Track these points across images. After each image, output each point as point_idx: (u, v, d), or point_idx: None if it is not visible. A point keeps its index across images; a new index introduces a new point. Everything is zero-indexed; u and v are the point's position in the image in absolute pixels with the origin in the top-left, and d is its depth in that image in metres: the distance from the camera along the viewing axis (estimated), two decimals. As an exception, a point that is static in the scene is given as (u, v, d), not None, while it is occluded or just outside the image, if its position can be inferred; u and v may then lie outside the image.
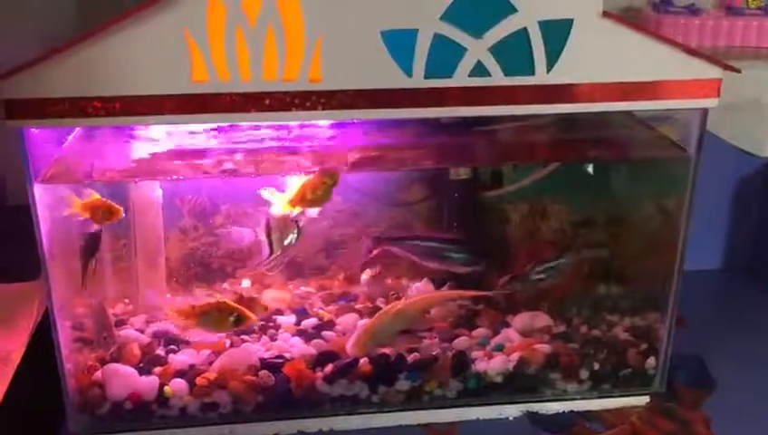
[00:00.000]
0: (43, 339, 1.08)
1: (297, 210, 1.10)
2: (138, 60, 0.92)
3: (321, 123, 1.12)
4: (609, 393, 1.20)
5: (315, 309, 1.30)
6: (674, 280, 1.14)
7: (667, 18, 1.38)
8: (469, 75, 0.97)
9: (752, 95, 1.26)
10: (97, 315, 1.16)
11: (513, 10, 0.96)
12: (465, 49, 0.96)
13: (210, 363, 1.15)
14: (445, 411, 1.16)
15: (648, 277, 1.23)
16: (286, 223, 1.13)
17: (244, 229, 1.16)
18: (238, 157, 1.09)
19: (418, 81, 0.96)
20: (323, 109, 0.96)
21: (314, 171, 1.08)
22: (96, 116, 0.94)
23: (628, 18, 1.01)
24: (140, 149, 1.10)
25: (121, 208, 1.10)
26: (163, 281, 1.29)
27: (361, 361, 1.15)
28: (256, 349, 1.18)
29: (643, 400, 1.20)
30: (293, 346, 1.19)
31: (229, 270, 1.33)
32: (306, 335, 1.22)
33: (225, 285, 1.33)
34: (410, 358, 1.16)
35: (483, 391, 1.17)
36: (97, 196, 1.08)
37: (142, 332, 1.22)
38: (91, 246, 1.11)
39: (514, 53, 0.97)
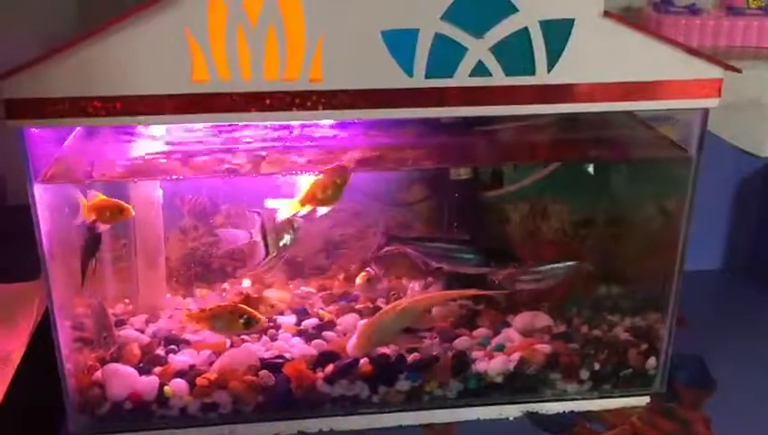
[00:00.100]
0: (43, 339, 1.08)
1: (308, 209, 1.11)
2: (138, 60, 0.92)
3: (323, 123, 1.12)
4: (609, 394, 1.20)
5: (316, 309, 1.30)
6: (674, 280, 1.14)
7: (667, 18, 1.38)
8: (470, 75, 0.97)
9: (752, 95, 1.26)
10: (97, 315, 1.16)
11: (514, 10, 0.96)
12: (466, 49, 0.96)
13: (210, 363, 1.15)
14: (445, 412, 1.16)
15: (648, 277, 1.23)
16: (282, 224, 1.14)
17: (238, 231, 1.16)
18: (238, 156, 1.09)
19: (419, 80, 0.96)
20: (324, 109, 0.96)
21: (313, 171, 1.08)
22: (96, 116, 0.94)
23: (629, 18, 1.01)
24: (141, 149, 1.10)
25: (131, 207, 1.10)
26: (163, 281, 1.29)
27: (362, 361, 1.15)
28: (256, 349, 1.18)
29: (643, 400, 1.20)
30: (294, 346, 1.19)
31: (229, 270, 1.33)
32: (306, 335, 1.22)
33: (226, 285, 1.33)
34: (410, 358, 1.16)
35: (483, 391, 1.17)
36: (102, 196, 1.08)
37: (142, 332, 1.22)
38: (91, 246, 1.11)
39: (515, 52, 0.97)
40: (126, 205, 1.10)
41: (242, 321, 1.11)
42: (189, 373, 1.13)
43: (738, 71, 1.01)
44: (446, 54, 0.96)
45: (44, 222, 1.00)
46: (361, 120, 1.06)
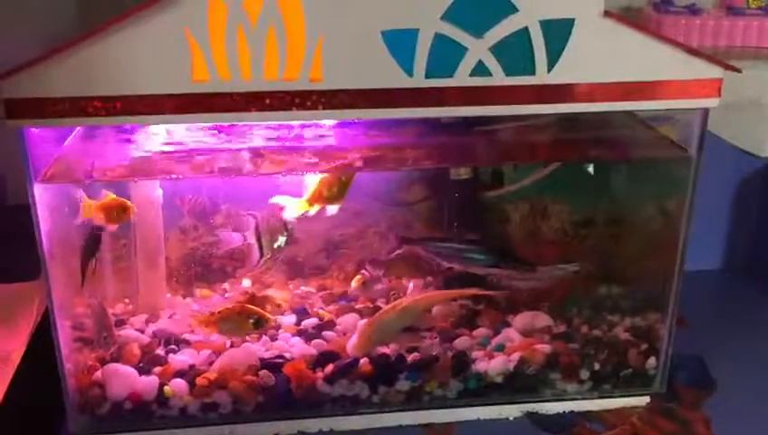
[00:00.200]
0: (43, 339, 1.08)
1: (316, 208, 1.11)
2: (138, 60, 0.92)
3: (324, 123, 1.12)
4: (609, 394, 1.20)
5: (315, 309, 1.30)
6: (674, 280, 1.14)
7: (667, 18, 1.38)
8: (470, 75, 0.97)
9: (752, 95, 1.26)
10: (97, 315, 1.16)
11: (514, 9, 0.96)
12: (466, 49, 0.96)
13: (210, 363, 1.14)
14: (445, 412, 1.16)
15: (648, 277, 1.23)
16: (276, 226, 1.14)
17: (233, 233, 1.17)
18: (239, 156, 1.09)
19: (419, 80, 0.96)
20: (324, 108, 0.96)
21: (315, 171, 1.08)
22: (96, 116, 0.94)
23: (629, 18, 1.01)
24: (140, 149, 1.09)
25: (133, 205, 1.11)
26: (163, 281, 1.29)
27: (361, 361, 1.14)
28: (256, 349, 1.18)
29: (643, 400, 1.20)
30: (294, 346, 1.19)
31: (229, 270, 1.33)
32: (306, 335, 1.22)
33: (226, 286, 1.33)
34: (410, 358, 1.16)
35: (483, 391, 1.17)
36: (112, 195, 1.08)
37: (142, 332, 1.21)
38: (91, 245, 1.11)
39: (515, 52, 0.97)
40: (128, 202, 1.11)
41: (251, 321, 1.12)
42: (189, 373, 1.13)
43: (738, 71, 1.01)
44: (446, 54, 0.96)
45: (44, 222, 0.99)
46: (361, 119, 1.06)
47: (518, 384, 1.18)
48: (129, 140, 1.11)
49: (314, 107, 0.96)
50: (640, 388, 1.20)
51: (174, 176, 1.09)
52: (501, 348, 1.20)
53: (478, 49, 0.96)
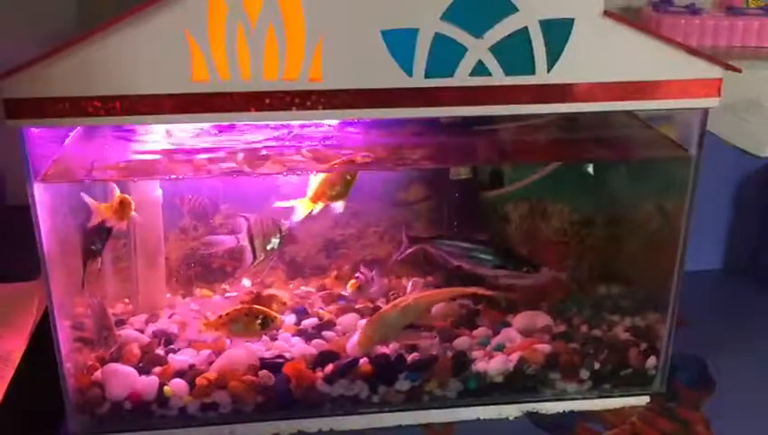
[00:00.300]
0: (43, 339, 1.08)
1: (319, 206, 1.11)
2: (138, 60, 0.92)
3: (324, 123, 1.12)
4: (609, 393, 1.20)
5: (315, 309, 1.30)
6: (674, 280, 1.14)
7: (667, 18, 1.38)
8: (470, 75, 0.97)
9: (752, 95, 1.26)
10: (97, 315, 1.16)
11: (514, 9, 0.96)
12: (466, 48, 0.96)
13: (210, 363, 1.14)
14: (445, 411, 1.16)
15: (648, 277, 1.23)
16: (269, 228, 1.14)
17: (225, 236, 1.17)
18: (239, 156, 1.09)
19: (419, 80, 0.96)
20: (323, 108, 0.96)
21: (314, 171, 1.08)
22: (96, 116, 0.94)
23: (628, 18, 1.01)
24: (140, 149, 1.10)
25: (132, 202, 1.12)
26: (163, 281, 1.29)
27: (361, 361, 1.14)
28: (256, 349, 1.18)
29: (643, 400, 1.20)
30: (294, 346, 1.19)
31: (229, 270, 1.33)
32: (306, 335, 1.22)
33: (225, 286, 1.33)
34: (410, 358, 1.16)
35: (483, 390, 1.17)
36: (118, 193, 1.09)
37: (142, 332, 1.21)
38: (99, 244, 1.11)
39: (515, 52, 0.97)
40: (128, 197, 1.12)
41: (258, 322, 1.12)
42: (189, 373, 1.13)
43: (738, 70, 1.01)
44: (445, 54, 0.96)
45: (44, 222, 1.00)
46: (361, 119, 1.06)
47: (518, 384, 1.18)
48: (128, 140, 1.11)
49: (314, 107, 0.96)
50: (640, 388, 1.20)
51: (174, 176, 1.09)
52: (501, 348, 1.20)
53: (478, 49, 0.96)
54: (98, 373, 1.11)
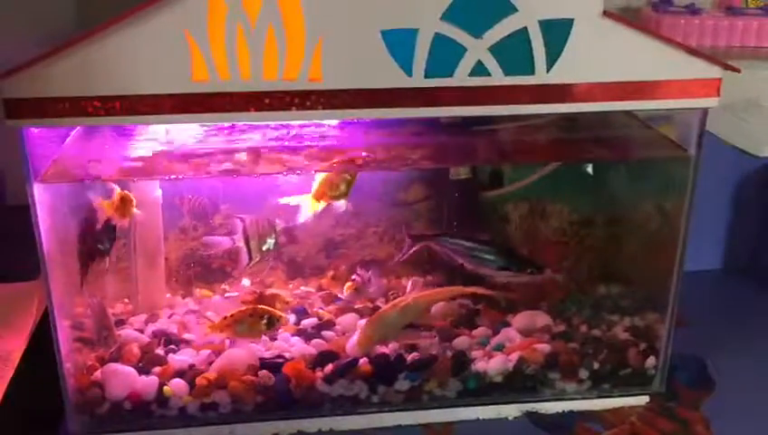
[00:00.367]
0: (42, 339, 1.08)
1: (322, 205, 1.12)
2: (138, 59, 0.92)
3: (324, 123, 1.12)
4: (608, 393, 1.20)
5: (315, 309, 1.30)
6: (674, 280, 1.14)
7: (666, 18, 1.38)
8: (469, 75, 0.97)
9: (751, 95, 1.26)
10: (97, 315, 1.16)
11: (514, 9, 0.96)
12: (466, 49, 0.96)
13: (210, 363, 1.14)
14: (444, 411, 1.16)
15: (648, 277, 1.23)
16: (264, 229, 1.14)
17: (222, 238, 1.17)
18: (239, 156, 1.09)
19: (418, 80, 0.96)
20: (323, 108, 0.96)
21: (313, 170, 1.08)
22: (96, 116, 0.94)
23: (628, 18, 1.01)
24: (140, 149, 1.10)
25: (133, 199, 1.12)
26: (163, 281, 1.29)
27: (361, 361, 1.15)
28: (256, 349, 1.18)
29: (643, 400, 1.20)
30: (293, 346, 1.19)
31: (229, 270, 1.33)
32: (306, 335, 1.22)
33: (225, 286, 1.33)
34: (410, 358, 1.16)
35: (482, 390, 1.17)
36: (119, 190, 1.09)
37: (142, 332, 1.22)
38: (106, 242, 1.11)
39: (514, 52, 0.97)
40: (129, 196, 1.12)
41: (264, 322, 1.12)
42: (189, 373, 1.13)
43: (738, 71, 1.01)
44: (445, 54, 0.96)
45: (44, 222, 1.00)
46: (361, 119, 1.06)
47: (517, 384, 1.18)
48: (129, 140, 1.11)
49: (314, 107, 0.96)
50: (640, 388, 1.20)
51: (174, 176, 1.09)
52: (500, 348, 1.20)
53: (477, 49, 0.96)
54: (98, 373, 1.11)
